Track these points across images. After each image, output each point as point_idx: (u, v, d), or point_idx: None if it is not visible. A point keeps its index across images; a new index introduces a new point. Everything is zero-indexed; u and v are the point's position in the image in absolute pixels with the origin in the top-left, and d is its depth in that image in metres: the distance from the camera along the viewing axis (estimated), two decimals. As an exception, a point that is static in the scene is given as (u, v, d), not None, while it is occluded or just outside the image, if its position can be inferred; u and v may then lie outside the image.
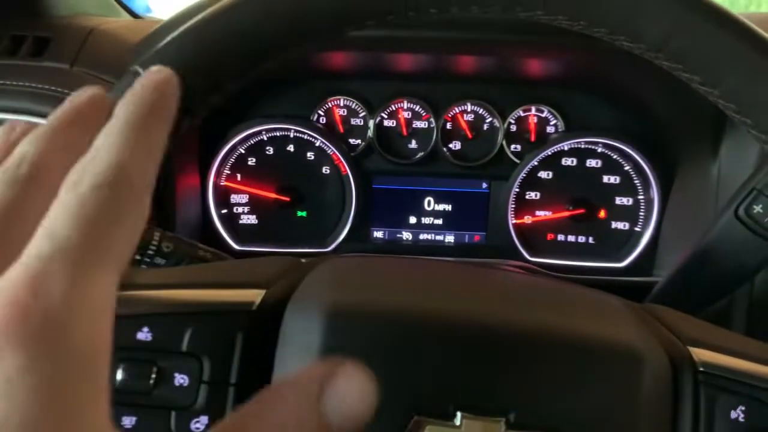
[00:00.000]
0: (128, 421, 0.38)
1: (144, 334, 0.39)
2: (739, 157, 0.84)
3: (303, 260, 0.50)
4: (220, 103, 0.43)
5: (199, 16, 0.42)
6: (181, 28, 0.42)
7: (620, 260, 1.05)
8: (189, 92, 0.40)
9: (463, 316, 0.40)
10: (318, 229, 1.08)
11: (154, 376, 0.39)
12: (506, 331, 0.40)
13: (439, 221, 1.09)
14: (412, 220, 1.09)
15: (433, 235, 1.10)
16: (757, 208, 0.63)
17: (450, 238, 1.10)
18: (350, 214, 1.06)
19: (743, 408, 0.39)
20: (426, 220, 1.09)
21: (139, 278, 0.42)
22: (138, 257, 0.58)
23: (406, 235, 1.10)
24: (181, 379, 0.39)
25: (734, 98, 0.39)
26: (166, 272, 0.44)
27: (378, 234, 1.10)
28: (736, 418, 0.39)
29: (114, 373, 0.39)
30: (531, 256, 1.05)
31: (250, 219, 1.07)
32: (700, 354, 0.41)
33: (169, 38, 0.41)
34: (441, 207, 1.09)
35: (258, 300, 0.41)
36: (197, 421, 0.39)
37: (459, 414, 0.37)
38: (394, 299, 0.42)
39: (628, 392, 0.38)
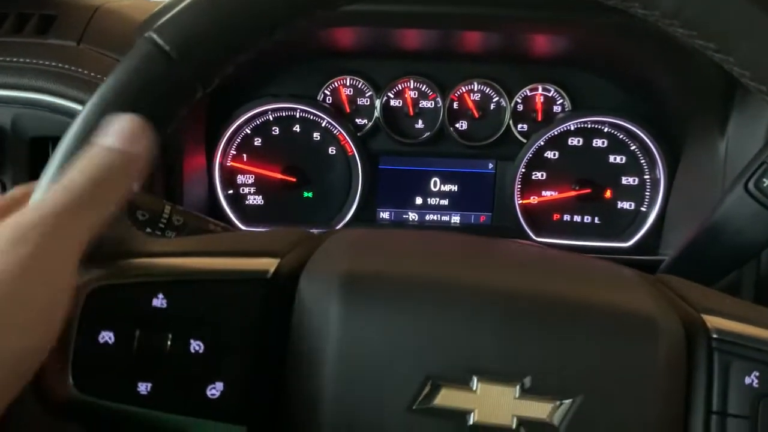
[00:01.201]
0: (144, 387, 0.38)
1: (159, 301, 0.39)
2: (747, 133, 0.83)
3: (315, 232, 0.50)
4: (229, 75, 0.42)
5: None
6: None
7: (626, 240, 1.05)
8: (201, 62, 0.40)
9: (479, 283, 0.40)
10: (324, 210, 1.08)
11: (169, 342, 0.39)
12: (522, 297, 0.40)
13: (445, 202, 1.09)
14: (419, 200, 1.09)
15: (439, 215, 1.10)
16: (767, 182, 0.63)
17: (456, 219, 1.10)
18: (356, 195, 1.06)
19: (757, 374, 0.39)
20: (432, 201, 1.09)
21: (152, 246, 0.42)
22: (149, 229, 0.59)
23: (412, 216, 1.10)
24: (196, 346, 0.39)
25: (749, 65, 0.39)
26: (180, 241, 0.44)
27: (384, 215, 1.10)
28: (751, 384, 0.39)
29: (131, 340, 0.39)
30: (537, 236, 1.05)
31: (256, 199, 1.07)
32: (713, 321, 0.41)
33: (183, 4, 0.41)
34: (447, 187, 1.09)
35: (272, 268, 0.41)
36: (213, 387, 0.39)
37: (475, 379, 0.38)
38: (408, 267, 0.42)
39: (644, 359, 0.39)
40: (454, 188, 1.09)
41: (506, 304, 0.39)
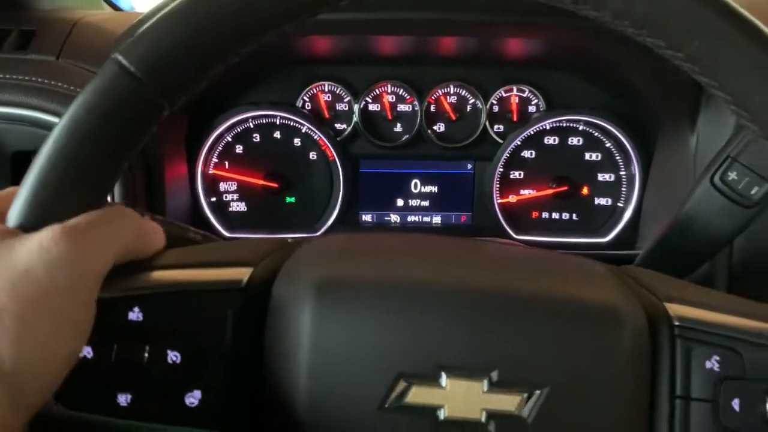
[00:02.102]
0: (123, 399, 0.40)
1: (135, 314, 0.41)
2: (715, 128, 0.85)
3: (289, 240, 0.51)
4: (199, 91, 0.43)
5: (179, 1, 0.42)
6: (161, 13, 0.42)
7: (604, 235, 1.07)
8: (167, 81, 0.41)
9: (444, 282, 0.42)
10: (307, 215, 1.09)
11: (146, 354, 0.40)
12: (486, 293, 0.41)
13: (426, 203, 1.11)
14: (400, 202, 1.11)
15: (420, 216, 1.11)
16: (732, 175, 0.65)
17: (437, 219, 1.11)
18: (338, 199, 1.07)
19: (717, 358, 0.41)
20: (413, 202, 1.11)
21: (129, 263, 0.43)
22: None
23: (394, 218, 1.11)
24: (173, 356, 0.40)
25: (698, 61, 0.40)
26: (156, 254, 0.45)
27: (366, 217, 1.11)
28: (711, 368, 0.41)
29: (109, 353, 0.40)
30: (517, 234, 1.07)
31: (239, 206, 1.08)
32: (676, 309, 0.43)
33: (147, 24, 0.41)
34: (427, 189, 1.10)
35: (246, 277, 0.42)
36: (191, 396, 0.40)
37: (443, 374, 0.39)
38: (377, 269, 0.43)
39: (609, 349, 0.40)
40: (435, 189, 1.10)
41: (471, 300, 0.41)
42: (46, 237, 0.36)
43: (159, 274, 0.43)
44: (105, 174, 0.41)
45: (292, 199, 1.09)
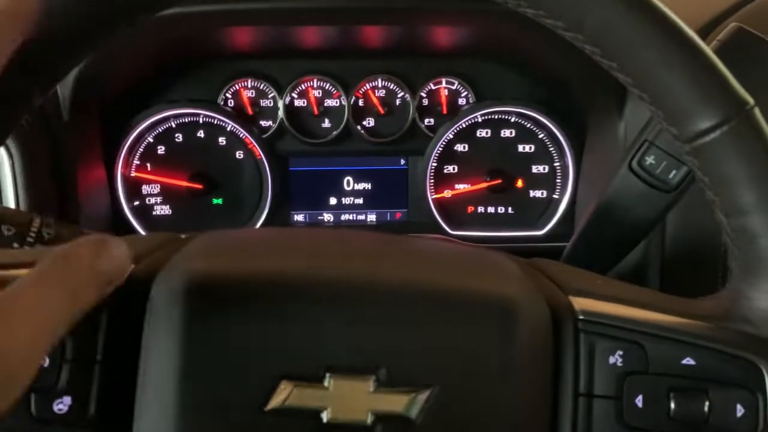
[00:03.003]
0: None
1: None
2: (642, 115, 0.84)
3: (183, 236, 0.48)
4: (123, 80, 0.40)
5: None
6: None
7: (540, 228, 1.06)
8: (35, 67, 0.38)
9: (330, 277, 0.39)
10: (236, 216, 1.05)
11: None
12: (371, 288, 0.39)
13: (360, 200, 1.08)
14: (333, 201, 1.08)
15: (354, 215, 1.08)
16: (650, 159, 0.64)
17: (372, 217, 1.09)
18: (268, 199, 1.04)
19: (621, 353, 0.39)
20: (346, 200, 1.08)
21: None
22: (16, 245, 0.55)
23: (327, 217, 1.08)
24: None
25: (598, 42, 0.39)
26: (22, 252, 0.42)
27: (298, 217, 1.08)
28: (615, 363, 0.39)
29: None
30: (452, 229, 1.05)
31: (163, 209, 1.04)
32: (580, 303, 0.41)
33: None
34: (361, 186, 1.08)
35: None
36: (60, 402, 0.37)
37: (327, 375, 0.36)
38: (258, 265, 0.40)
39: (504, 345, 0.38)
40: (368, 186, 1.08)
41: (357, 296, 0.38)
42: None
43: (24, 273, 0.39)
44: None
45: (219, 201, 1.05)
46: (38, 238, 0.56)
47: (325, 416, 0.36)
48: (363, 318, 0.38)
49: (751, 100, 0.37)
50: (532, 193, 1.07)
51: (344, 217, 1.08)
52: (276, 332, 0.37)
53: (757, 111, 0.38)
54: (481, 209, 1.07)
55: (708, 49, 0.38)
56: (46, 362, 0.37)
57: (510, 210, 1.07)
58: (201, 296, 0.38)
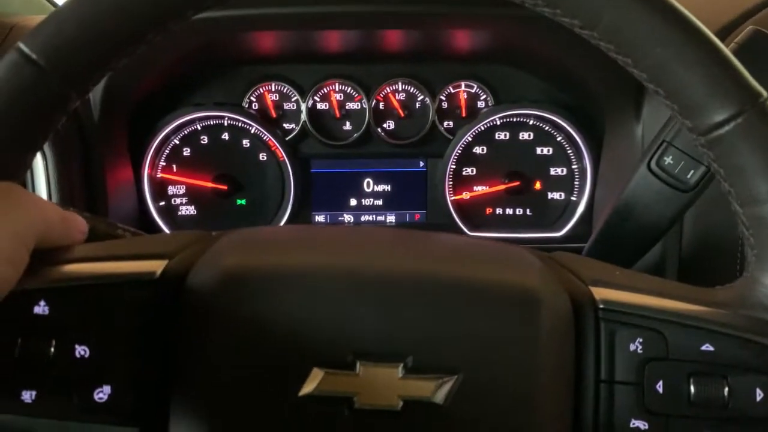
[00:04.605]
0: (28, 396, 0.38)
1: (41, 308, 0.39)
2: (660, 116, 0.85)
3: (213, 233, 0.50)
4: (151, 84, 0.42)
5: None
6: (67, 2, 0.41)
7: (558, 230, 1.07)
8: (72, 69, 0.40)
9: (359, 267, 0.41)
10: (258, 217, 1.07)
11: (53, 349, 0.38)
12: (401, 278, 0.40)
13: (380, 202, 1.10)
14: (353, 202, 1.10)
15: (374, 216, 1.10)
16: (668, 160, 0.65)
17: (391, 218, 1.10)
18: (290, 200, 1.06)
19: (641, 340, 0.40)
20: (366, 202, 1.10)
21: (35, 255, 0.42)
22: None
23: (348, 218, 1.10)
24: (81, 351, 0.39)
25: (613, 38, 0.40)
26: (67, 248, 0.44)
27: (319, 218, 1.10)
28: (635, 350, 0.40)
29: (12, 348, 0.38)
30: (471, 231, 1.06)
31: (188, 210, 1.06)
32: (600, 292, 0.42)
33: (51, 14, 0.41)
34: (380, 188, 1.09)
35: (160, 270, 0.41)
36: (100, 391, 0.39)
37: (357, 362, 0.38)
38: (287, 258, 0.42)
39: (527, 332, 0.39)
40: (387, 188, 1.09)
41: (385, 286, 0.40)
42: None
43: (68, 267, 0.41)
44: (9, 165, 0.40)
45: (243, 202, 1.07)
46: None
47: (356, 402, 0.38)
48: (391, 307, 0.39)
49: (764, 93, 0.38)
50: (550, 195, 1.08)
51: (364, 218, 1.10)
52: (306, 322, 0.39)
53: None
54: (499, 211, 1.08)
55: (721, 44, 0.39)
56: (87, 353, 0.39)
57: (528, 212, 1.08)
58: (233, 289, 0.39)
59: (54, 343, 0.38)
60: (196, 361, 0.39)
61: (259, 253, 0.43)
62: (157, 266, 0.41)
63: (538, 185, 1.07)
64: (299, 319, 0.39)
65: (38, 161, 0.81)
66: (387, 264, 0.41)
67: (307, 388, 0.38)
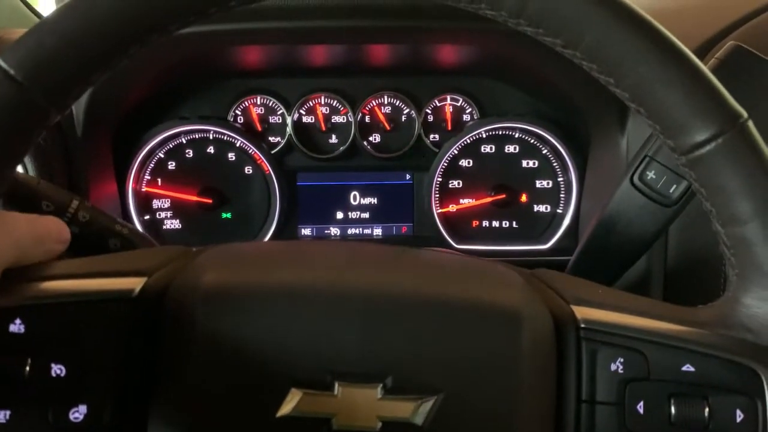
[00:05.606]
0: (2, 415, 0.37)
1: (16, 327, 0.38)
2: (645, 129, 0.86)
3: (194, 249, 0.49)
4: (135, 98, 0.42)
5: (62, 5, 0.41)
6: (44, 18, 0.41)
7: (544, 242, 1.07)
8: (51, 82, 0.39)
9: (335, 287, 0.41)
10: (244, 230, 1.07)
11: (28, 368, 0.38)
12: (380, 297, 0.40)
13: (366, 215, 1.10)
14: (339, 215, 1.09)
15: (360, 229, 1.10)
16: (650, 174, 0.65)
17: (378, 231, 1.10)
18: (276, 213, 1.05)
19: (622, 360, 0.40)
20: (353, 215, 1.09)
21: (11, 272, 0.41)
22: None
23: (334, 231, 1.10)
24: (57, 370, 0.38)
25: (595, 58, 0.40)
26: (44, 265, 0.43)
27: (306, 231, 1.10)
28: (616, 370, 0.40)
29: None
30: (457, 243, 1.06)
31: (174, 224, 1.06)
32: (582, 311, 0.42)
33: (31, 29, 0.40)
34: (367, 200, 1.09)
35: (138, 287, 0.41)
36: (76, 411, 0.38)
37: (336, 383, 0.38)
38: (267, 276, 0.42)
39: (507, 351, 0.39)
40: (374, 201, 1.09)
41: (364, 305, 0.39)
42: None
43: (44, 285, 0.41)
44: None
45: (229, 215, 1.07)
46: (74, 219, 0.57)
47: (334, 423, 0.37)
48: (370, 327, 0.39)
49: (744, 114, 0.39)
50: (536, 208, 1.08)
51: (351, 231, 1.10)
52: (285, 341, 0.38)
53: (750, 124, 0.39)
54: (485, 223, 1.08)
55: (701, 64, 0.39)
56: (64, 372, 0.38)
57: (514, 224, 1.08)
58: (212, 308, 0.39)
59: (29, 361, 0.38)
60: (173, 380, 0.39)
61: (237, 270, 0.43)
62: (135, 283, 0.41)
63: (524, 198, 1.08)
64: (278, 338, 0.38)
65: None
66: (367, 282, 0.41)
67: (285, 409, 0.37)
